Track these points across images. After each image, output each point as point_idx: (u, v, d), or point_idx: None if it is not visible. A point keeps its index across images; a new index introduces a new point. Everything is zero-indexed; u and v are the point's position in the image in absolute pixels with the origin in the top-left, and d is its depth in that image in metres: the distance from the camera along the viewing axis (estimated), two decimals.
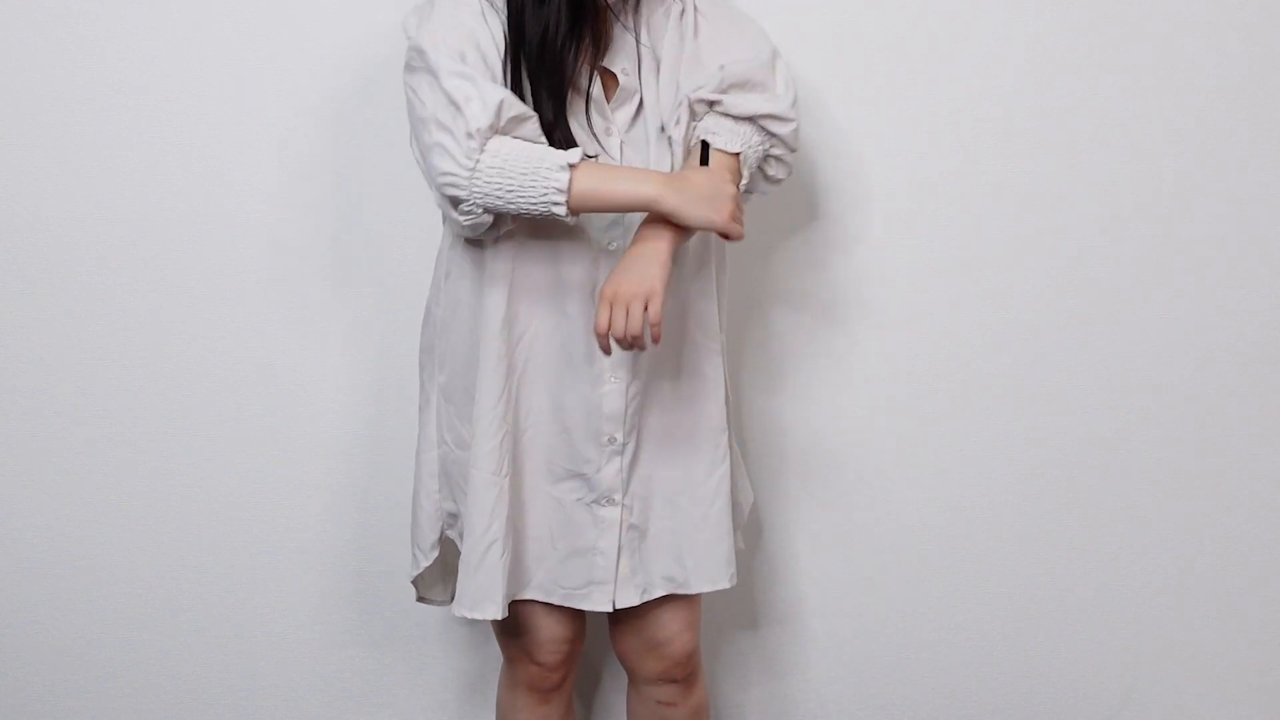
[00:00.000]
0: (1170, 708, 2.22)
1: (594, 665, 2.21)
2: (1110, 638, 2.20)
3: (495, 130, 1.58)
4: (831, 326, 2.14)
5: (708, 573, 1.78)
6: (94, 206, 2.06)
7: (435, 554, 1.81)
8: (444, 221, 1.79)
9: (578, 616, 1.85)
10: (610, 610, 1.77)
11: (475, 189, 1.58)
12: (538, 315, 1.72)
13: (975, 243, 2.12)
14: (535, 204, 1.58)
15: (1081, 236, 2.12)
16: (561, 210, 1.59)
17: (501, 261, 1.71)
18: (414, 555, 1.84)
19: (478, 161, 1.57)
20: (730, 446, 1.83)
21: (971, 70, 2.09)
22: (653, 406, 1.76)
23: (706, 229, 1.64)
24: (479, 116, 1.56)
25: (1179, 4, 2.08)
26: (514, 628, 1.83)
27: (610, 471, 1.74)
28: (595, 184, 1.60)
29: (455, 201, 1.60)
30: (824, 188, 2.12)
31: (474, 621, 2.16)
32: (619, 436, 1.74)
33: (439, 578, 1.90)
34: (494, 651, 2.16)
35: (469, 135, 1.57)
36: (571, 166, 1.58)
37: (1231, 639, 2.20)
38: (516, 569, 1.75)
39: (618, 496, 1.75)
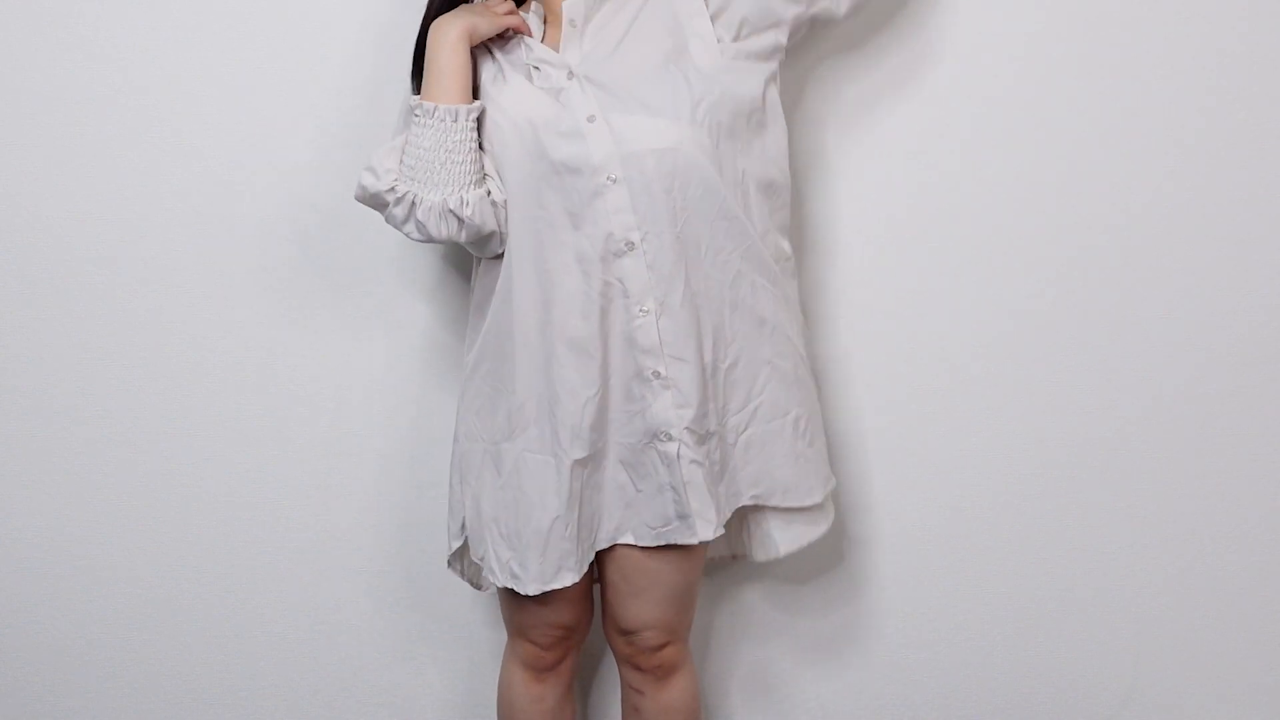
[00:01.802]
0: (1170, 708, 2.22)
1: (594, 653, 2.21)
2: (1110, 638, 2.20)
3: (396, 175, 1.75)
4: (832, 327, 2.14)
5: (801, 487, 1.84)
6: (94, 206, 2.07)
7: (461, 539, 1.87)
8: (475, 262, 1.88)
9: (576, 603, 1.88)
10: (709, 539, 1.79)
11: (431, 196, 1.73)
12: (565, 288, 1.75)
13: (975, 242, 2.12)
14: (454, 137, 1.72)
15: (1082, 236, 2.12)
16: (453, 112, 1.72)
17: (522, 251, 1.76)
18: (448, 536, 1.92)
19: (404, 193, 1.74)
20: (810, 401, 1.88)
21: (971, 70, 2.09)
22: (709, 341, 1.78)
23: (498, 29, 1.77)
24: (374, 183, 1.76)
25: (1179, 4, 2.08)
26: (512, 605, 1.88)
27: (661, 407, 1.75)
28: (433, 79, 1.73)
29: (456, 220, 1.73)
30: (823, 187, 2.12)
31: (475, 621, 2.16)
32: (661, 370, 1.75)
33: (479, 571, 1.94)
34: (494, 652, 2.16)
35: (386, 194, 1.75)
36: (417, 96, 1.76)
37: (1231, 639, 2.20)
38: (606, 520, 1.80)
39: (674, 432, 1.76)
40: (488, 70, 1.80)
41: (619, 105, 1.73)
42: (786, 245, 1.88)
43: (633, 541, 1.80)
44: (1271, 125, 2.11)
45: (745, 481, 1.83)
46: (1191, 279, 2.13)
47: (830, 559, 2.19)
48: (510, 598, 1.87)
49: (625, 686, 1.94)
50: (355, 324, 2.10)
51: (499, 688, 1.96)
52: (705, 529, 1.78)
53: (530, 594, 1.78)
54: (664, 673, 1.89)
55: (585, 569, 1.80)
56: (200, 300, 2.09)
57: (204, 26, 2.04)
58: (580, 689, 2.21)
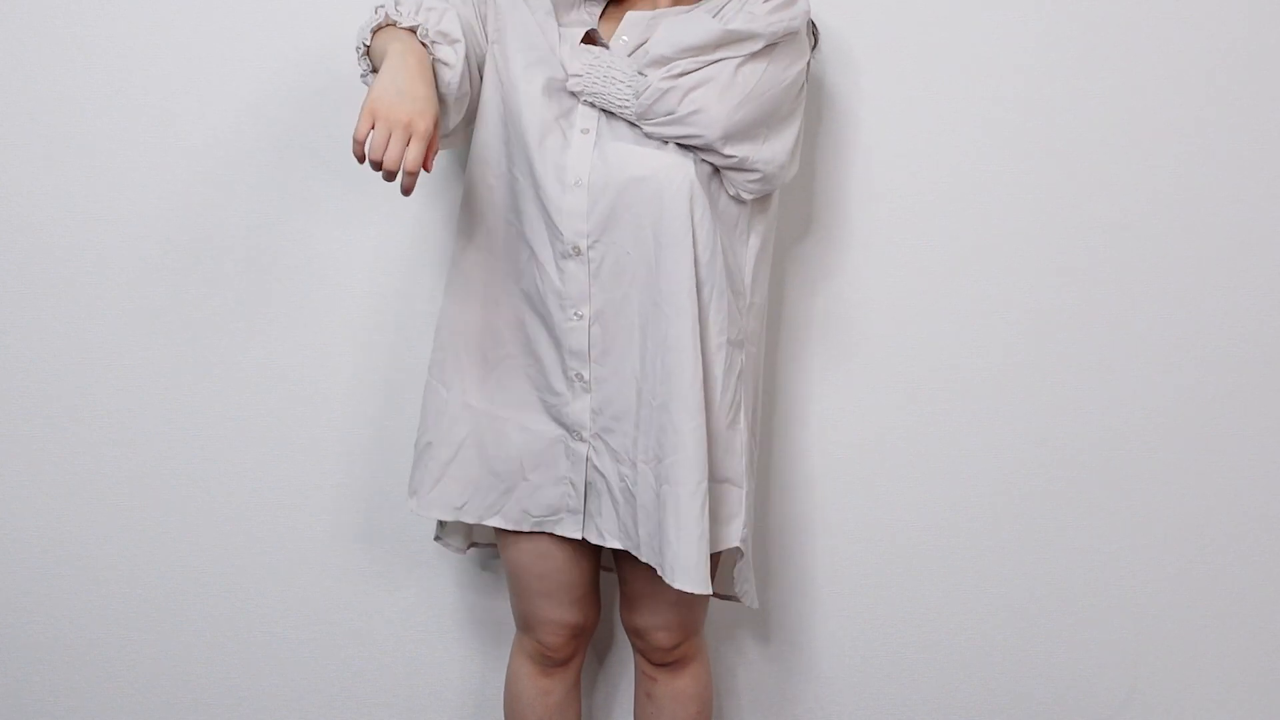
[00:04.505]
0: (1170, 708, 2.22)
1: (602, 645, 2.21)
2: (1110, 638, 2.20)
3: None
4: (831, 327, 2.14)
5: (681, 566, 1.70)
6: (94, 206, 2.07)
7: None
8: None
9: (584, 603, 1.89)
10: (579, 538, 1.80)
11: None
12: (509, 253, 1.77)
13: (976, 243, 2.12)
14: (360, 43, 1.71)
15: (1082, 237, 2.12)
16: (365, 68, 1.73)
17: (478, 208, 1.79)
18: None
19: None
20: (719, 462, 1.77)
21: (971, 72, 2.09)
22: (627, 360, 1.74)
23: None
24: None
25: (1180, 5, 2.09)
26: (520, 602, 1.89)
27: (578, 408, 1.76)
28: (380, 42, 1.68)
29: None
30: (824, 188, 2.12)
31: (476, 621, 2.16)
32: (585, 374, 1.75)
33: (459, 527, 1.96)
34: (495, 653, 2.16)
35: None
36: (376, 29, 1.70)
37: (1231, 639, 2.20)
38: (487, 495, 1.82)
39: (585, 434, 1.76)
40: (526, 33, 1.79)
41: (611, 130, 1.71)
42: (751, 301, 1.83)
43: (500, 525, 1.81)
44: (1271, 125, 2.11)
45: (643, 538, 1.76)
46: (1191, 280, 2.14)
47: (830, 559, 2.19)
48: (519, 595, 1.88)
49: (639, 673, 1.96)
50: (356, 323, 2.10)
51: (506, 679, 1.97)
52: (591, 531, 1.78)
53: (412, 509, 1.83)
54: (680, 666, 1.92)
55: (450, 515, 1.82)
56: (200, 300, 2.09)
57: (204, 28, 2.04)
58: (587, 681, 2.21)
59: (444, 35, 1.71)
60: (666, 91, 1.66)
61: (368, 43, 1.70)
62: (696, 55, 1.67)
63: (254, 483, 2.13)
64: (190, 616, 2.16)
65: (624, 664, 2.18)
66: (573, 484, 1.78)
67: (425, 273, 2.10)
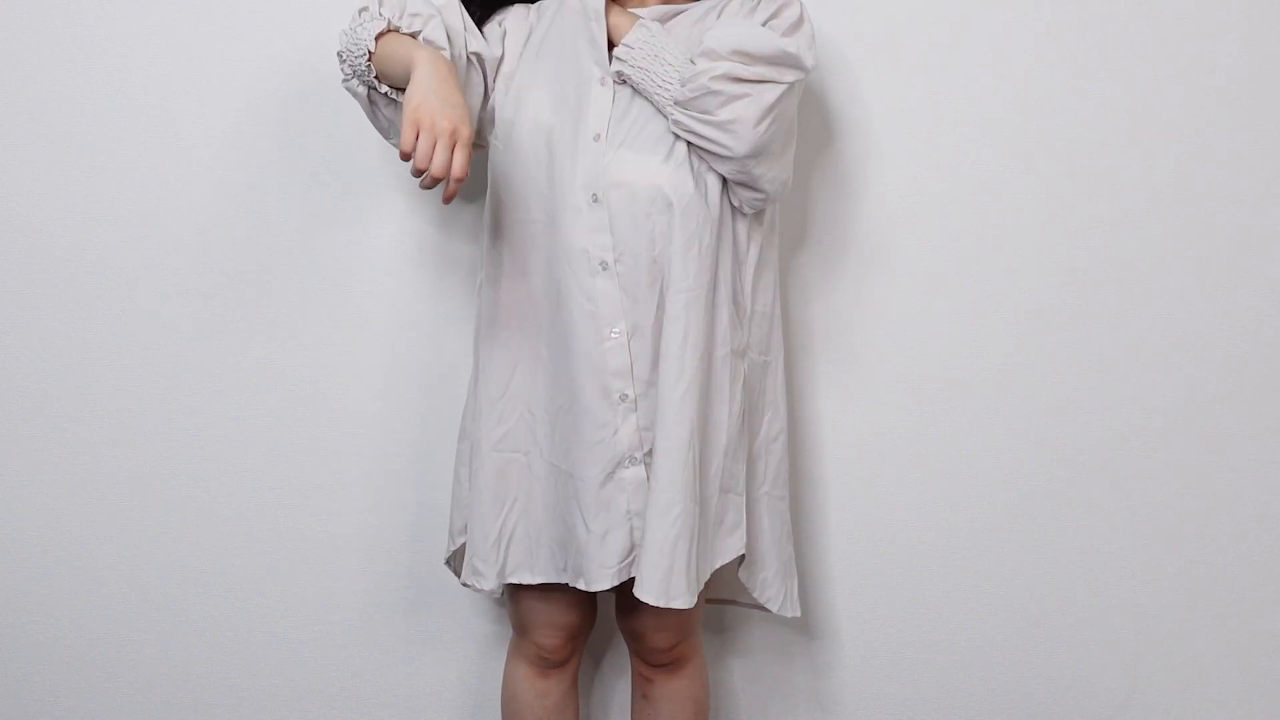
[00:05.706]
0: (1170, 708, 2.22)
1: (598, 646, 2.21)
2: (1110, 638, 2.20)
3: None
4: (831, 328, 2.14)
5: (645, 578, 1.70)
6: (94, 206, 2.07)
7: (462, 539, 1.85)
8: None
9: (581, 605, 1.88)
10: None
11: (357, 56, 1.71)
12: (538, 293, 1.76)
13: (976, 243, 2.13)
14: (357, 48, 1.69)
15: (1082, 237, 2.12)
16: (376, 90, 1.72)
17: (505, 248, 1.77)
18: (448, 537, 1.90)
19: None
20: (725, 476, 1.77)
21: (971, 72, 2.09)
22: (663, 378, 1.72)
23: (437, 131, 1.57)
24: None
25: (1180, 4, 2.09)
26: (517, 605, 1.88)
27: (627, 431, 1.72)
28: (390, 48, 1.67)
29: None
30: (825, 190, 2.12)
31: (475, 620, 2.16)
32: (629, 393, 1.72)
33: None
34: (495, 652, 2.16)
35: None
36: (380, 35, 1.69)
37: (1231, 639, 2.20)
38: (555, 552, 1.77)
39: (639, 455, 1.73)
40: (533, 39, 1.80)
41: (620, 134, 1.73)
42: (765, 289, 1.84)
43: (583, 587, 1.75)
44: (1271, 125, 2.11)
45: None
46: (1191, 280, 2.14)
47: (830, 559, 2.19)
48: (515, 596, 1.87)
49: (635, 674, 1.95)
50: (356, 324, 2.10)
51: (503, 683, 1.96)
52: None
53: (486, 589, 1.77)
54: (676, 667, 1.91)
55: (552, 576, 1.77)
56: (200, 300, 2.09)
57: (205, 28, 2.04)
58: (584, 682, 2.21)
59: (429, 43, 1.71)
60: (713, 92, 1.66)
61: (372, 49, 1.69)
62: (745, 62, 1.67)
63: (254, 483, 2.13)
64: (190, 616, 2.15)
65: (621, 665, 2.18)
66: (639, 515, 1.72)
67: (424, 272, 2.10)
